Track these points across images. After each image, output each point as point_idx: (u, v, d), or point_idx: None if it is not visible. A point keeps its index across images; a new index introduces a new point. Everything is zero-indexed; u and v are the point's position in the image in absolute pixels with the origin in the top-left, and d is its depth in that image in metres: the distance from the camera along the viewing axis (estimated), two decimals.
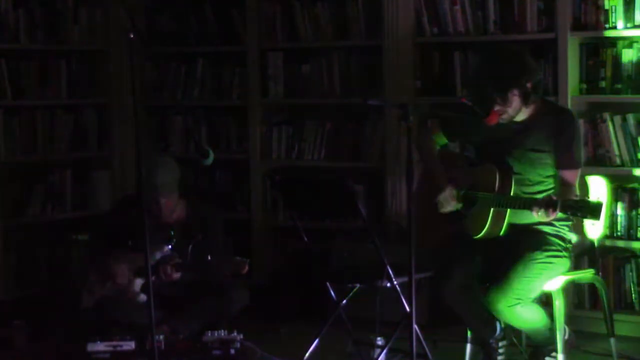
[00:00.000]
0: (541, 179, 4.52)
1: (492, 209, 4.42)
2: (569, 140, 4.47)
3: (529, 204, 4.29)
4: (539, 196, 4.40)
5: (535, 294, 4.42)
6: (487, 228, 4.44)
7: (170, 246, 4.98)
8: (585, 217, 4.19)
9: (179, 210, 5.17)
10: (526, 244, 4.44)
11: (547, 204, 4.17)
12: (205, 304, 5.02)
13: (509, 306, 4.33)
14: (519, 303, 4.34)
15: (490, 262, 4.46)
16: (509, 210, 4.43)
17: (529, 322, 4.43)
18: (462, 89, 5.79)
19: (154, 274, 4.79)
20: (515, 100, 4.42)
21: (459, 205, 4.55)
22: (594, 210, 4.11)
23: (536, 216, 4.24)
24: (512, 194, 4.45)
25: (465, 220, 4.54)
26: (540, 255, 4.42)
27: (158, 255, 4.95)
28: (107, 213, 5.58)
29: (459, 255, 4.53)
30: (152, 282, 4.62)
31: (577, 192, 4.46)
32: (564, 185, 4.45)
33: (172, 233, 5.03)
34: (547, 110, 4.54)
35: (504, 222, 4.45)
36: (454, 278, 4.48)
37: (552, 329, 4.48)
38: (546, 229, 4.50)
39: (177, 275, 4.97)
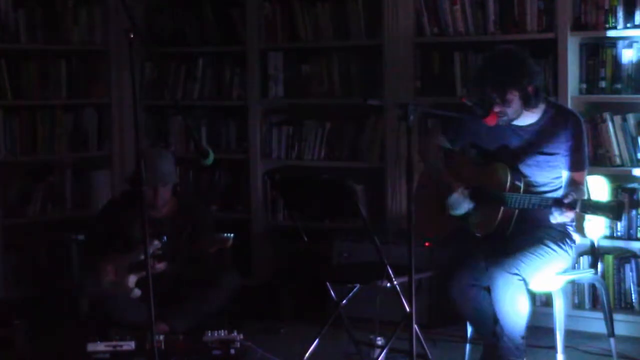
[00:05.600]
0: (548, 180, 4.54)
1: (502, 207, 4.43)
2: (580, 143, 4.51)
3: (548, 203, 4.31)
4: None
5: (534, 275, 4.41)
6: (497, 225, 4.45)
7: (156, 242, 4.99)
8: (607, 217, 4.22)
9: (170, 205, 5.20)
10: (535, 231, 4.48)
11: (567, 205, 4.19)
12: (197, 295, 5.04)
13: (506, 272, 4.33)
14: (517, 275, 4.35)
15: (496, 255, 4.45)
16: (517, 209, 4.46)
17: (515, 307, 4.39)
18: (462, 89, 5.79)
19: (143, 270, 4.82)
20: (515, 101, 4.43)
21: (471, 206, 4.53)
22: (615, 210, 4.13)
23: (552, 219, 4.27)
24: (521, 193, 4.47)
25: (470, 219, 4.54)
26: (549, 242, 4.47)
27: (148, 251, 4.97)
28: (97, 215, 5.57)
29: (465, 253, 4.54)
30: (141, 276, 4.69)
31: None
32: (573, 186, 4.46)
33: (163, 229, 5.07)
34: (555, 113, 4.55)
35: (513, 218, 4.46)
36: (461, 275, 4.49)
37: (524, 341, 4.46)
38: (554, 224, 4.52)
39: (160, 266, 4.98)
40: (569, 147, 4.50)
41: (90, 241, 5.41)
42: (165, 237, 4.99)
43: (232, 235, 4.95)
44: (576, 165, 4.52)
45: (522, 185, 4.48)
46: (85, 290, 5.11)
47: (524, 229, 4.48)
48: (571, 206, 4.21)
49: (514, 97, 4.42)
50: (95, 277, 5.05)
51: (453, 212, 4.56)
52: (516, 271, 4.35)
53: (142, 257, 4.93)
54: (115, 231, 5.11)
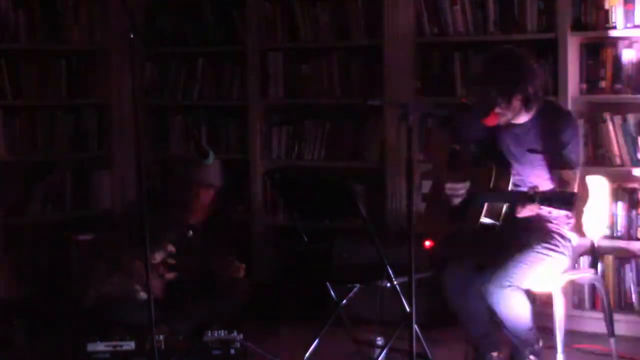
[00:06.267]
0: (541, 180, 4.53)
1: (485, 205, 4.45)
2: (570, 140, 4.48)
3: (509, 197, 4.32)
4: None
5: (528, 282, 4.41)
6: (482, 218, 4.45)
7: (170, 247, 5.00)
8: (560, 208, 4.22)
9: (206, 212, 5.25)
10: (526, 235, 4.47)
11: (528, 197, 4.20)
12: (201, 303, 5.05)
13: (499, 287, 4.34)
14: (510, 286, 4.35)
15: (489, 255, 4.46)
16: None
17: (514, 311, 4.40)
18: (462, 89, 5.79)
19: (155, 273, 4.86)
20: (517, 105, 4.44)
21: (468, 184, 4.54)
22: (565, 200, 4.12)
23: (517, 213, 4.28)
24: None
25: (465, 216, 4.55)
26: (538, 246, 4.46)
27: (160, 255, 4.98)
28: (124, 213, 5.59)
29: (460, 252, 4.54)
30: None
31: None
32: (563, 184, 4.46)
33: (191, 233, 5.10)
34: (547, 112, 4.55)
35: (500, 212, 4.46)
36: (455, 275, 4.50)
37: (533, 331, 4.48)
38: (547, 224, 4.51)
39: (170, 276, 5.00)
40: (558, 144, 4.49)
41: (108, 240, 5.37)
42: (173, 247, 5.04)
43: (243, 265, 5.01)
44: (565, 162, 4.49)
45: (509, 185, 4.48)
46: (92, 290, 5.10)
47: (514, 231, 4.48)
48: (531, 199, 4.21)
49: (517, 101, 4.43)
50: (125, 273, 5.05)
51: (454, 202, 4.57)
52: (509, 284, 4.36)
53: (157, 259, 4.97)
54: (140, 231, 5.10)
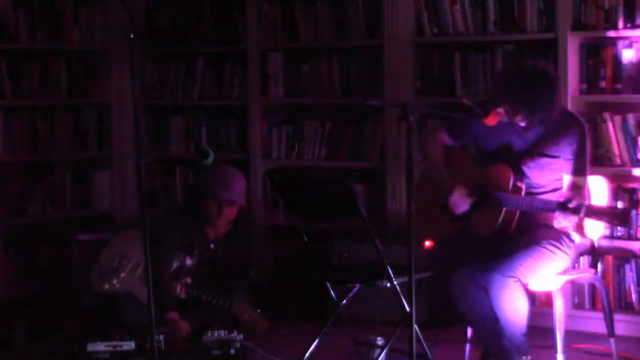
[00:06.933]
0: (547, 182, 4.54)
1: (503, 209, 4.43)
2: (584, 147, 4.51)
3: (552, 207, 4.31)
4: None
5: (531, 275, 4.40)
6: (498, 226, 4.44)
7: (189, 260, 5.06)
8: (613, 225, 4.22)
9: (228, 228, 5.31)
10: (533, 231, 4.47)
11: (571, 210, 4.19)
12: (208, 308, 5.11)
13: (503, 275, 4.33)
14: (513, 277, 4.34)
15: (494, 256, 4.45)
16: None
17: (512, 306, 4.38)
18: (462, 89, 5.79)
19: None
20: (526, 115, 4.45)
21: (469, 207, 4.53)
22: (620, 218, 4.13)
23: (556, 224, 4.26)
24: (522, 194, 4.47)
25: (470, 219, 4.53)
26: (546, 242, 4.46)
27: (175, 264, 5.03)
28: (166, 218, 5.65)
29: (465, 253, 4.53)
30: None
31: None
32: (575, 190, 4.45)
33: (213, 247, 5.15)
34: (560, 116, 4.53)
35: (514, 219, 4.46)
36: (461, 275, 4.48)
37: (525, 340, 4.45)
38: (554, 223, 4.51)
39: (183, 296, 5.03)
40: (573, 152, 4.49)
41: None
42: (190, 260, 5.09)
43: (269, 321, 5.22)
44: (579, 169, 4.51)
45: (523, 187, 4.48)
46: (92, 282, 5.12)
47: (522, 228, 4.48)
48: (575, 211, 4.21)
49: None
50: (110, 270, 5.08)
51: (454, 212, 4.55)
52: (512, 274, 4.35)
53: (175, 266, 5.01)
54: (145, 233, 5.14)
